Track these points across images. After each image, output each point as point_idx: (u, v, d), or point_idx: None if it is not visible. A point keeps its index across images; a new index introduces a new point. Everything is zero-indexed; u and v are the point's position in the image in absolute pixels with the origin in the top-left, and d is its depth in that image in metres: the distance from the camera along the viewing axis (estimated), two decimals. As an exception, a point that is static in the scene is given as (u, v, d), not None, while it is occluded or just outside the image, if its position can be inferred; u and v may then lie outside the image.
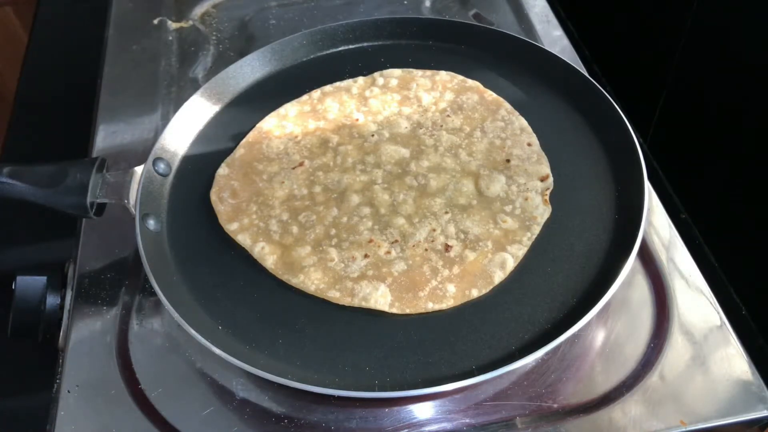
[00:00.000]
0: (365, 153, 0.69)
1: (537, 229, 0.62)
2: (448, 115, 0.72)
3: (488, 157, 0.68)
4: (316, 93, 0.76)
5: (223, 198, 0.66)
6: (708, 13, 0.84)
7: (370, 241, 0.62)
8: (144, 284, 0.63)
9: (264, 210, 0.65)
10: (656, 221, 0.67)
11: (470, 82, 0.76)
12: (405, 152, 0.69)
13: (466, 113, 0.72)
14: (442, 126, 0.71)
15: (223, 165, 0.69)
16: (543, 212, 0.63)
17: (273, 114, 0.74)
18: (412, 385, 0.52)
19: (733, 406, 0.54)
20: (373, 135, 0.71)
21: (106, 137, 0.79)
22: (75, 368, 0.59)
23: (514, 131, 0.70)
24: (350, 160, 0.68)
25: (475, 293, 0.58)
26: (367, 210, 0.64)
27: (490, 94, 0.74)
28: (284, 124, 0.73)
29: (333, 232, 0.63)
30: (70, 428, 0.55)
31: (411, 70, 0.78)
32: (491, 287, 0.58)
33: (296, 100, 0.76)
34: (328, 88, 0.77)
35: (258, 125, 0.73)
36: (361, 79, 0.77)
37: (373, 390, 0.52)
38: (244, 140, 0.72)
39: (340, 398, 0.53)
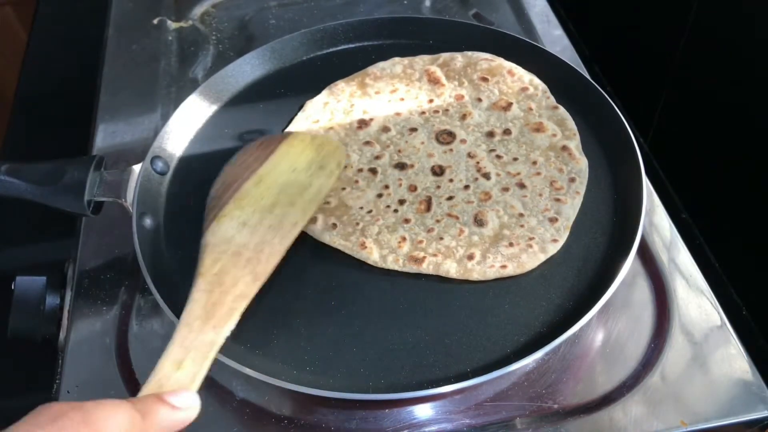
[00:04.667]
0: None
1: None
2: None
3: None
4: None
5: None
6: (708, 13, 0.84)
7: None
8: (143, 284, 0.63)
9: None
10: (657, 221, 0.67)
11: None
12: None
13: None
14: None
15: None
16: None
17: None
18: (406, 387, 0.52)
19: (734, 406, 0.54)
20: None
21: (105, 137, 0.79)
22: (74, 368, 0.59)
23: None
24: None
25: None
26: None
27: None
28: None
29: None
30: (69, 428, 0.55)
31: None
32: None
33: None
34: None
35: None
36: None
37: (367, 392, 0.52)
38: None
39: (338, 399, 0.53)
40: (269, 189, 0.62)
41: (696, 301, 0.60)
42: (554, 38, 0.89)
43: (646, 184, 0.62)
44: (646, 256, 0.64)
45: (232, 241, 0.57)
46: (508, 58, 0.76)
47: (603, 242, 0.60)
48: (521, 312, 0.57)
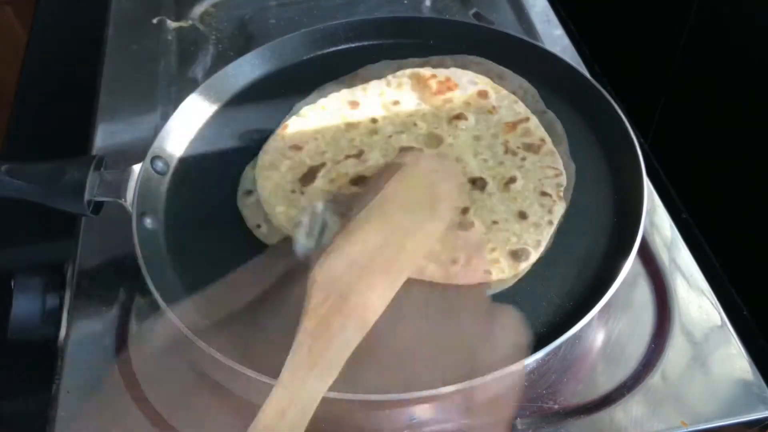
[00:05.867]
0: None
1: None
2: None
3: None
4: None
5: None
6: (709, 12, 0.84)
7: None
8: (143, 284, 0.63)
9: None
10: (657, 221, 0.67)
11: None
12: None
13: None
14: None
15: None
16: None
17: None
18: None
19: (735, 406, 0.54)
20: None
21: (105, 137, 0.79)
22: (74, 368, 0.59)
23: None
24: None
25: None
26: None
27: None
28: None
29: None
30: (69, 429, 0.55)
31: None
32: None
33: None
34: None
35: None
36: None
37: (366, 392, 0.52)
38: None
39: (338, 399, 0.52)
40: (380, 226, 0.57)
41: (696, 301, 0.60)
42: (554, 38, 0.89)
43: (647, 184, 0.62)
44: (647, 256, 0.64)
45: (340, 280, 0.53)
46: (508, 57, 0.75)
47: (603, 243, 0.60)
48: (521, 313, 0.56)
